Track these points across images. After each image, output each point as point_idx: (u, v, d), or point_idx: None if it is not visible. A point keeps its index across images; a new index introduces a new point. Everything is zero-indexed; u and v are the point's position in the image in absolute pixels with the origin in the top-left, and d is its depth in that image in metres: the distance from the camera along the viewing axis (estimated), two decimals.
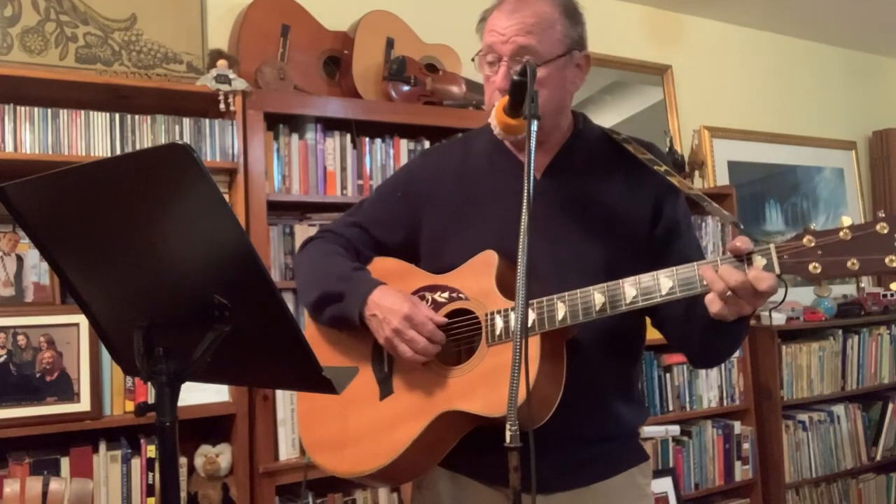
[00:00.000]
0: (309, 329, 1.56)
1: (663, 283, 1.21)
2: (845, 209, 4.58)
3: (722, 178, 4.04)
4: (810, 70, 4.54)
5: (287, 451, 2.47)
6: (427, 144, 2.85)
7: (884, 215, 1.10)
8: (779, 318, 3.61)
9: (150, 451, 2.26)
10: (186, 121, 2.41)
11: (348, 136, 2.73)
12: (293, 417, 2.49)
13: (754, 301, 1.16)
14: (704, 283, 1.17)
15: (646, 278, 1.22)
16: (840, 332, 3.86)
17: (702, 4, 3.94)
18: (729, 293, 1.14)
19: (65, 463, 2.18)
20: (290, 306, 2.55)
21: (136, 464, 2.26)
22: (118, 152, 2.30)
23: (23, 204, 1.03)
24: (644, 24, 3.88)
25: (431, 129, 2.85)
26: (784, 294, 1.19)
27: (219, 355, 1.02)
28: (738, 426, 3.51)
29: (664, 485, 3.22)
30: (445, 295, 1.42)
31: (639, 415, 1.49)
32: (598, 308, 1.25)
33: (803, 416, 3.71)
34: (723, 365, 3.45)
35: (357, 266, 1.49)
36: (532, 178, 1.17)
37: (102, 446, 2.25)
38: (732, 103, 4.16)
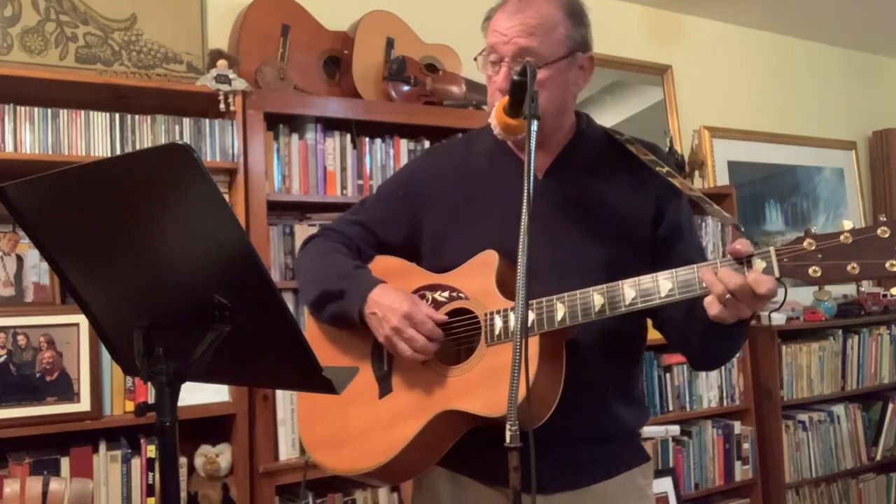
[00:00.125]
0: (309, 327, 1.56)
1: (662, 285, 1.21)
2: (845, 209, 4.59)
3: (722, 178, 4.04)
4: (810, 70, 4.54)
5: (287, 451, 2.47)
6: (427, 144, 2.85)
7: (885, 219, 1.09)
8: (779, 318, 3.61)
9: (150, 451, 2.26)
10: (186, 121, 2.41)
11: (348, 136, 2.73)
12: (293, 417, 2.49)
13: (753, 304, 1.16)
14: (704, 285, 1.17)
15: (645, 280, 1.22)
16: (840, 332, 3.86)
17: (702, 4, 3.94)
18: (728, 296, 1.14)
19: (65, 463, 2.18)
20: (290, 306, 2.55)
21: (136, 464, 2.26)
22: (118, 152, 2.30)
23: (23, 204, 1.04)
24: (644, 24, 3.88)
25: (431, 129, 2.85)
26: (784, 297, 1.19)
27: (219, 355, 1.02)
28: (738, 426, 3.51)
29: (664, 485, 3.22)
30: (445, 294, 1.42)
31: (639, 416, 1.49)
32: (597, 309, 1.25)
33: (803, 416, 3.71)
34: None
35: (358, 264, 1.49)
36: (533, 177, 1.17)
37: (102, 446, 2.25)
38: (732, 103, 4.16)
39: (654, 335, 1.49)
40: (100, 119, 2.30)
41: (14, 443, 2.15)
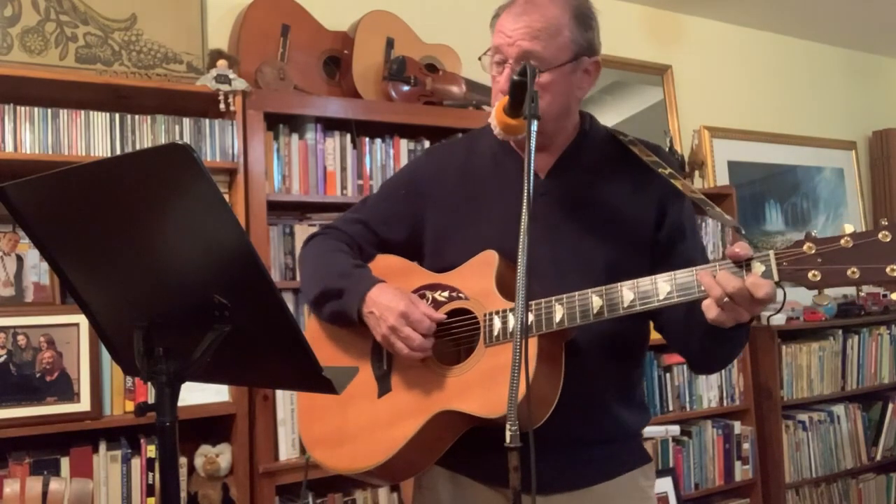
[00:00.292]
0: (310, 326, 1.57)
1: (661, 287, 1.21)
2: (845, 209, 4.58)
3: (722, 178, 4.03)
4: (810, 70, 4.54)
5: (287, 451, 2.47)
6: (427, 144, 2.85)
7: (887, 223, 1.08)
8: (779, 318, 3.60)
9: (150, 451, 2.26)
10: (186, 121, 2.41)
11: (348, 136, 2.73)
12: (293, 417, 2.49)
13: (752, 308, 1.15)
14: (702, 288, 1.17)
15: (644, 282, 1.22)
16: (840, 332, 3.86)
17: (702, 4, 3.94)
18: (726, 299, 1.14)
19: (65, 463, 2.18)
20: (290, 306, 2.55)
21: (136, 464, 2.26)
22: (118, 152, 2.30)
23: (23, 204, 1.03)
24: (644, 24, 3.88)
25: (431, 129, 2.85)
26: (783, 301, 1.18)
27: (219, 355, 1.02)
28: (738, 426, 3.51)
29: (664, 485, 3.22)
30: (445, 294, 1.42)
31: (640, 417, 1.49)
32: (595, 311, 1.24)
33: (803, 416, 3.71)
34: None
35: (358, 263, 1.49)
36: (533, 177, 1.17)
37: (102, 446, 2.25)
38: (732, 103, 4.16)
39: (654, 335, 1.49)
40: (100, 119, 2.30)
41: (14, 443, 2.15)
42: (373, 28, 2.85)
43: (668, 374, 3.35)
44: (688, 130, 3.92)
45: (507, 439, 1.06)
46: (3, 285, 2.29)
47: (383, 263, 1.52)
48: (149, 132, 2.36)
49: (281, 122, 2.63)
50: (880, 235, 1.08)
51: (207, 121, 2.43)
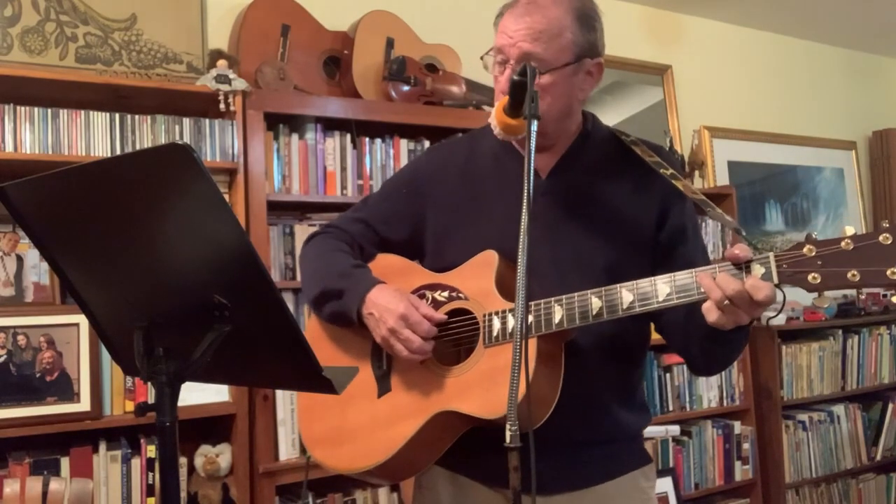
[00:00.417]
0: (310, 325, 1.57)
1: (660, 289, 1.20)
2: (845, 209, 4.58)
3: (722, 178, 4.03)
4: (810, 70, 4.54)
5: (287, 451, 2.47)
6: (427, 144, 2.85)
7: (888, 225, 1.08)
8: (779, 319, 3.60)
9: (150, 451, 2.26)
10: (186, 121, 2.41)
11: (348, 136, 2.73)
12: (293, 417, 2.49)
13: (751, 311, 1.15)
14: (701, 290, 1.16)
15: (643, 284, 1.22)
16: (840, 332, 3.86)
17: (702, 4, 3.94)
18: (726, 302, 1.13)
19: (65, 463, 2.18)
20: (290, 306, 2.55)
21: (136, 464, 2.26)
22: (118, 152, 2.30)
23: (23, 204, 1.03)
24: (644, 24, 3.88)
25: (431, 129, 2.85)
26: (783, 303, 1.17)
27: (219, 355, 1.02)
28: (738, 426, 3.51)
29: (664, 485, 3.22)
30: (445, 294, 1.42)
31: (641, 419, 1.48)
32: (594, 313, 1.24)
33: (803, 416, 3.71)
34: None
35: (358, 263, 1.49)
36: (533, 177, 1.16)
37: (102, 446, 2.25)
38: (732, 103, 4.16)
39: (654, 336, 1.49)
40: (100, 119, 2.30)
41: (14, 443, 2.15)
42: (373, 28, 2.85)
43: (668, 374, 3.35)
44: (688, 130, 3.92)
45: (507, 439, 1.06)
46: (3, 285, 2.29)
47: (383, 263, 1.52)
48: (149, 132, 2.36)
49: (281, 122, 2.63)
50: (881, 238, 1.07)
51: (207, 121, 2.43)
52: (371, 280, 1.43)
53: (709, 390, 3.47)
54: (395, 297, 1.37)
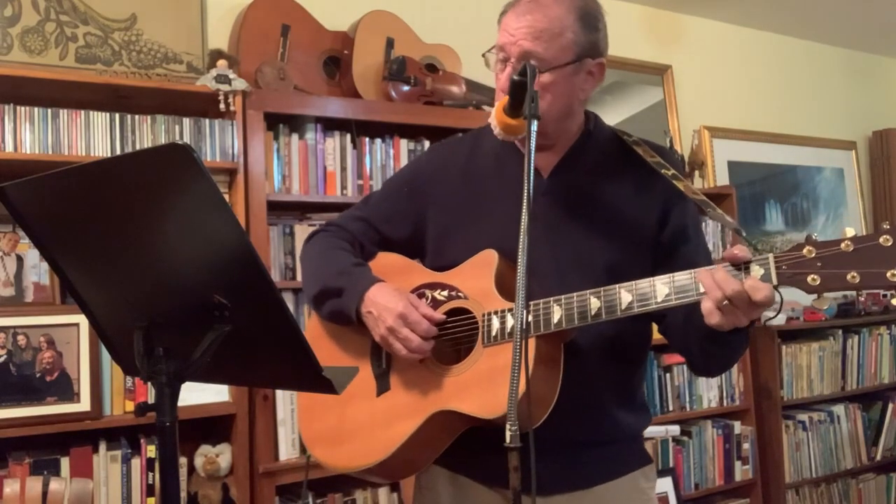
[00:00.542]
0: (311, 323, 1.57)
1: (659, 289, 1.20)
2: (845, 209, 4.58)
3: (722, 178, 4.03)
4: (810, 70, 4.54)
5: (287, 451, 2.47)
6: (427, 144, 2.85)
7: (888, 227, 1.07)
8: (779, 319, 3.60)
9: (150, 451, 2.26)
10: (186, 121, 2.41)
11: (348, 136, 2.73)
12: (293, 417, 2.49)
13: (750, 312, 1.14)
14: (700, 290, 1.16)
15: (642, 284, 1.21)
16: (840, 332, 3.86)
17: (702, 4, 3.94)
18: (725, 302, 1.13)
19: (65, 463, 2.18)
20: (290, 306, 2.55)
21: (136, 464, 2.26)
22: (118, 152, 2.30)
23: (23, 204, 1.04)
24: (644, 24, 3.88)
25: (431, 129, 2.85)
26: (780, 304, 1.16)
27: (219, 355, 1.02)
28: (738, 426, 3.51)
29: (664, 485, 3.22)
30: (445, 293, 1.42)
31: (641, 420, 1.48)
32: (593, 313, 1.24)
33: (803, 416, 3.71)
34: None
35: (357, 262, 1.49)
36: (533, 177, 1.16)
37: (102, 446, 2.25)
38: (732, 103, 4.16)
39: (655, 336, 1.49)
40: (100, 119, 2.30)
41: (14, 443, 2.15)
42: (373, 28, 2.85)
43: (668, 374, 3.35)
44: (688, 130, 3.92)
45: (507, 439, 1.06)
46: (3, 285, 2.29)
47: (384, 261, 1.52)
48: (149, 132, 2.36)
49: (281, 122, 2.63)
50: (881, 240, 1.07)
51: (207, 121, 2.43)
52: (370, 279, 1.43)
53: (709, 390, 3.47)
54: (393, 296, 1.37)
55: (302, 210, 2.69)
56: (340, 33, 2.87)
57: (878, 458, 3.97)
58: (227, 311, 0.99)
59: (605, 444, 1.42)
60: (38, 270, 2.33)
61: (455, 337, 1.41)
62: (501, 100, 1.33)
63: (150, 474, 2.26)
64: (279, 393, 2.47)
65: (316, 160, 2.67)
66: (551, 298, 1.28)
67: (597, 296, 1.24)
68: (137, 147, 2.33)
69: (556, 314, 1.26)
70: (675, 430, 3.36)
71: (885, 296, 3.97)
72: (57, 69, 2.46)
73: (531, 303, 1.28)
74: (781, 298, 1.17)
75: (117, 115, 2.32)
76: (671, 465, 3.31)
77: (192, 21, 2.71)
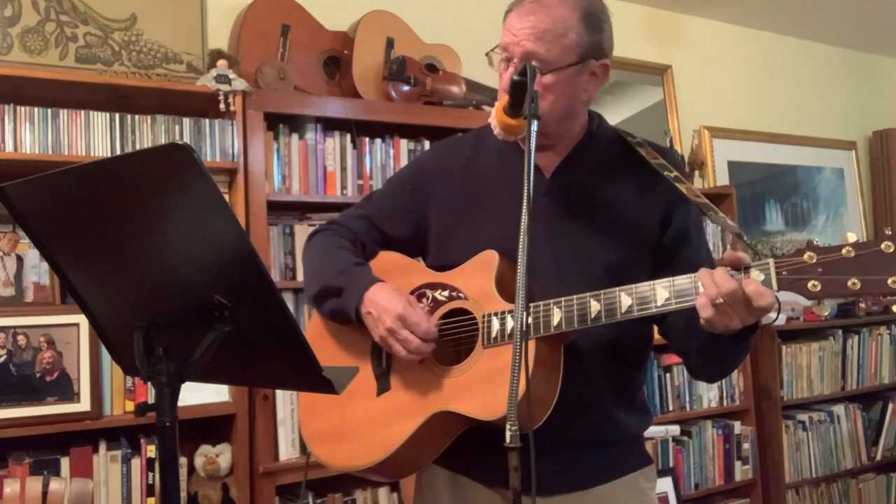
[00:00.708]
0: (311, 323, 1.57)
1: (659, 293, 1.20)
2: (845, 209, 4.58)
3: (722, 178, 4.03)
4: (810, 70, 4.54)
5: (287, 451, 2.47)
6: (427, 145, 2.85)
7: (890, 233, 1.07)
8: (778, 318, 3.60)
9: (150, 451, 2.26)
10: (186, 121, 2.41)
11: (348, 136, 2.73)
12: (293, 417, 2.49)
13: (745, 315, 1.14)
14: (700, 291, 1.16)
15: (642, 288, 1.21)
16: (840, 332, 3.86)
17: (702, 4, 3.94)
18: (720, 300, 1.13)
19: (65, 463, 2.18)
20: (290, 306, 2.55)
21: (136, 464, 2.26)
22: (118, 152, 2.30)
23: (23, 204, 1.04)
24: (644, 24, 3.88)
25: (431, 129, 2.85)
26: (777, 313, 1.16)
27: (219, 355, 1.02)
28: (738, 426, 3.51)
29: (664, 485, 3.22)
30: (445, 293, 1.42)
31: (641, 421, 1.48)
32: (593, 316, 1.24)
33: (803, 416, 3.71)
34: None
35: (358, 261, 1.49)
36: (533, 177, 1.16)
37: (102, 446, 2.25)
38: (732, 103, 4.16)
39: (655, 337, 1.49)
40: (100, 119, 2.30)
41: (14, 443, 2.15)
42: (373, 28, 2.85)
43: (668, 374, 3.35)
44: (688, 130, 3.92)
45: (507, 439, 1.06)
46: (3, 285, 2.29)
47: (385, 260, 1.52)
48: (149, 132, 2.36)
49: (281, 122, 2.63)
50: (883, 246, 1.06)
51: (207, 121, 2.43)
52: (370, 278, 1.42)
53: (709, 390, 3.47)
54: (393, 296, 1.37)
55: (302, 210, 2.69)
56: (340, 33, 2.87)
57: (878, 458, 3.97)
58: (227, 311, 0.99)
59: (606, 444, 1.42)
60: (38, 270, 2.33)
61: (455, 337, 1.41)
62: (501, 100, 1.33)
63: (150, 474, 2.26)
64: (279, 393, 2.47)
65: (316, 160, 2.67)
66: (551, 301, 1.27)
67: (597, 298, 1.24)
68: (137, 147, 2.33)
69: (556, 316, 1.26)
70: (675, 430, 3.36)
71: (885, 296, 3.96)
72: (57, 69, 2.46)
73: (531, 305, 1.28)
74: (779, 305, 1.17)
75: (117, 115, 2.32)
76: (671, 465, 3.31)
77: (192, 21, 2.71)
